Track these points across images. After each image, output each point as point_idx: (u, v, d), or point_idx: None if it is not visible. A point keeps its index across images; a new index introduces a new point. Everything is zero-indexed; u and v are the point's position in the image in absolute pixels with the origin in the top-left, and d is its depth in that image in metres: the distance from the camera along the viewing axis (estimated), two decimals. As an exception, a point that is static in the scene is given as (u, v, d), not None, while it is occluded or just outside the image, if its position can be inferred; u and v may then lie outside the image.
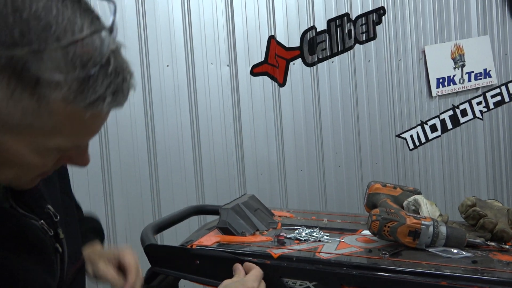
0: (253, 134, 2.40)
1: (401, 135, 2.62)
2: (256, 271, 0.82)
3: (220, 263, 0.87)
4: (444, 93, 2.67)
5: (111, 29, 0.50)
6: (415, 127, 2.65)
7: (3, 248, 0.56)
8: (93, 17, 0.49)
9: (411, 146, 2.64)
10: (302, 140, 2.47)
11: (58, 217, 0.67)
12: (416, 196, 1.01)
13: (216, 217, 1.15)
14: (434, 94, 2.64)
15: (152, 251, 0.92)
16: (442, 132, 2.69)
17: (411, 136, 2.64)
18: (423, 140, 2.66)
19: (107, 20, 0.50)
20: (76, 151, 0.56)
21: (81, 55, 0.46)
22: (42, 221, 0.63)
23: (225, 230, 0.97)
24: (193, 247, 0.91)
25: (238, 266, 0.85)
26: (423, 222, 0.85)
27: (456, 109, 2.71)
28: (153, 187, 2.19)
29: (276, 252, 0.86)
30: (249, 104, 2.36)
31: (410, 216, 0.87)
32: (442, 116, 2.68)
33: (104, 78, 0.48)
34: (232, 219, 0.98)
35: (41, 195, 0.65)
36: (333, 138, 2.51)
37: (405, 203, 1.02)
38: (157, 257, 0.92)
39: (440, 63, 2.63)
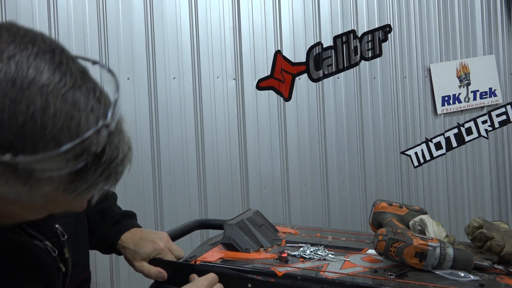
0: (258, 147, 2.40)
1: (406, 152, 2.62)
2: (209, 275, 0.84)
3: (224, 280, 0.86)
4: (449, 111, 2.67)
5: (114, 107, 0.48)
6: (419, 145, 2.64)
7: (3, 270, 0.57)
8: (94, 104, 0.47)
9: (416, 163, 2.64)
10: (306, 155, 2.46)
11: (66, 236, 0.67)
12: (422, 216, 1.00)
13: (219, 231, 1.15)
14: (439, 112, 2.64)
15: (156, 264, 0.91)
16: (447, 150, 2.68)
17: (416, 153, 2.63)
18: (427, 157, 2.65)
19: (110, 90, 0.49)
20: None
21: (75, 150, 0.46)
22: (46, 242, 0.64)
23: (229, 246, 0.96)
24: (197, 263, 0.90)
25: (194, 275, 0.87)
26: (430, 243, 0.85)
27: (461, 127, 2.71)
28: (157, 199, 2.18)
29: (281, 270, 0.85)
30: (254, 117, 2.37)
31: (417, 237, 0.86)
32: (447, 134, 2.68)
33: (96, 167, 0.48)
34: (237, 235, 0.97)
35: (51, 216, 0.65)
36: (337, 154, 2.51)
37: (411, 223, 1.01)
38: (160, 272, 0.91)
39: (445, 81, 2.64)
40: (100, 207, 0.98)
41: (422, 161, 2.64)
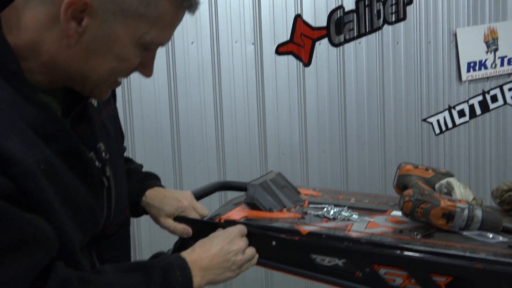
0: (276, 113, 2.38)
1: (428, 120, 2.56)
2: (238, 226, 0.86)
3: (248, 238, 0.86)
4: (474, 77, 2.59)
5: None
6: (442, 112, 2.58)
7: (59, 158, 0.61)
8: None
9: (437, 131, 2.59)
10: (326, 121, 2.44)
11: (108, 156, 0.71)
12: (449, 179, 0.98)
13: (239, 193, 1.15)
14: (464, 78, 2.56)
15: (181, 222, 0.92)
16: (470, 117, 2.62)
17: (438, 121, 2.58)
18: (450, 125, 2.59)
19: None
20: (151, 57, 0.67)
21: None
22: (92, 152, 0.68)
23: (252, 205, 0.96)
24: (222, 221, 0.91)
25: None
26: (458, 204, 0.83)
27: (486, 95, 2.63)
28: (176, 164, 2.20)
29: (305, 228, 0.85)
30: (273, 83, 2.33)
31: (444, 198, 0.85)
32: (471, 102, 2.61)
33: None
34: (260, 195, 0.97)
35: (94, 133, 0.71)
36: (357, 120, 2.47)
37: (437, 185, 0.99)
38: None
39: (472, 47, 2.54)
40: (127, 168, 0.99)
41: (444, 128, 2.59)
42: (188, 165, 2.23)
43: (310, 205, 1.03)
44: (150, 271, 0.68)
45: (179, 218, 0.92)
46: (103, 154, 0.72)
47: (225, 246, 0.80)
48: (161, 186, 1.00)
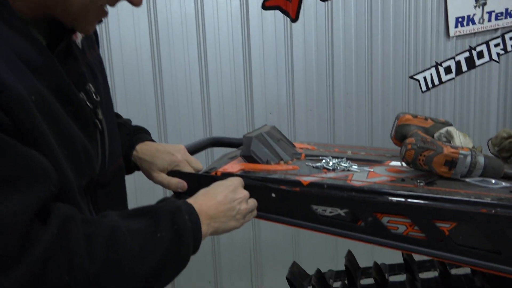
0: (263, 71, 2.31)
1: (415, 77, 2.55)
2: (237, 177, 0.83)
3: (248, 190, 0.83)
4: (462, 33, 2.56)
5: None
6: (429, 69, 2.56)
7: (51, 94, 0.57)
8: None
9: (424, 88, 2.58)
10: (313, 79, 2.39)
11: (99, 98, 0.66)
12: (449, 128, 0.97)
13: (232, 149, 1.12)
14: (451, 34, 2.53)
15: (174, 176, 0.88)
16: (457, 74, 2.61)
17: (425, 78, 2.56)
18: (436, 82, 2.58)
19: None
20: None
21: None
22: (82, 93, 0.64)
23: (249, 158, 0.93)
24: (218, 174, 0.87)
25: None
26: (461, 151, 0.81)
27: (473, 51, 2.61)
28: (160, 125, 2.14)
29: (306, 179, 0.82)
30: (259, 39, 2.26)
31: (447, 145, 0.83)
32: (457, 58, 2.59)
33: None
34: (256, 148, 0.94)
35: (82, 73, 0.66)
36: (344, 78, 2.44)
37: (436, 134, 0.97)
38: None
39: (460, 1, 2.50)
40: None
41: (430, 85, 2.58)
42: (173, 126, 2.18)
43: (307, 158, 1.00)
44: (158, 215, 0.63)
45: (173, 173, 0.89)
46: (94, 95, 0.67)
47: (230, 194, 0.76)
48: (152, 140, 0.95)
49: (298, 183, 0.82)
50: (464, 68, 2.63)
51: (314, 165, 0.93)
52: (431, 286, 1.02)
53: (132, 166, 0.93)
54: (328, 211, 0.80)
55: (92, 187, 0.68)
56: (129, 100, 2.08)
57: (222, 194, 0.76)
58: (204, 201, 0.73)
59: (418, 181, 0.81)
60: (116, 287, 0.56)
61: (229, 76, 2.26)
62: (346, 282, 1.12)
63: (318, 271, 1.16)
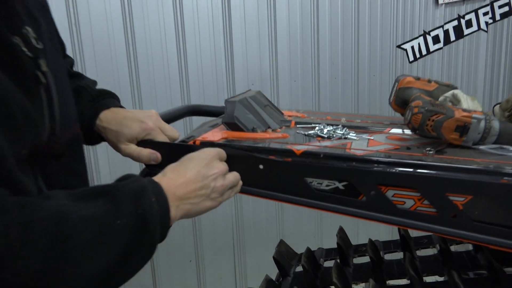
0: (245, 39, 2.17)
1: (402, 46, 2.45)
2: (216, 148, 0.71)
3: (230, 162, 0.72)
4: (451, 0, 2.46)
5: None
6: (417, 38, 2.46)
7: None
8: None
9: (411, 58, 2.48)
10: (297, 48, 2.26)
11: (42, 46, 0.54)
12: (455, 91, 0.87)
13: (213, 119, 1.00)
14: (440, 1, 2.43)
15: (146, 147, 0.76)
16: (445, 44, 2.52)
17: (412, 47, 2.47)
18: (424, 52, 2.49)
19: None
20: None
21: None
22: (16, 37, 0.51)
23: (232, 125, 0.81)
24: (196, 143, 0.75)
25: None
26: (474, 115, 0.72)
27: (461, 19, 2.52)
28: (135, 95, 1.99)
29: (299, 148, 0.71)
30: (240, 2, 2.10)
31: (458, 108, 0.73)
32: (446, 27, 2.50)
33: None
34: (241, 113, 0.82)
35: (17, 14, 0.53)
36: (330, 47, 2.31)
37: (441, 98, 0.87)
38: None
39: (450, -34, 2.38)
40: (75, 85, 0.81)
41: (418, 55, 2.48)
42: (148, 96, 2.03)
43: (298, 125, 0.89)
44: (118, 197, 0.51)
45: (144, 143, 0.76)
46: (34, 41, 0.53)
47: (202, 169, 0.64)
48: (120, 106, 0.82)
49: (290, 153, 0.70)
50: (453, 37, 2.54)
51: (306, 133, 0.82)
52: (431, 265, 0.95)
53: (96, 137, 0.80)
54: (325, 184, 0.70)
55: (41, 158, 0.55)
56: (99, 70, 1.91)
57: (193, 170, 0.63)
58: (172, 179, 0.61)
59: (428, 149, 0.71)
60: (66, 286, 0.44)
61: (208, 43, 2.11)
62: (338, 260, 1.03)
63: (308, 250, 1.07)
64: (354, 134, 0.80)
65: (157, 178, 0.61)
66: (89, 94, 0.80)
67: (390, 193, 0.67)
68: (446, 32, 2.51)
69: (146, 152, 0.74)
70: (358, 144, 0.75)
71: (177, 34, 2.02)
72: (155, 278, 2.24)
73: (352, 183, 0.68)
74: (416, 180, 0.65)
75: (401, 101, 0.90)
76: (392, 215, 0.67)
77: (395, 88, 0.92)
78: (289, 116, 0.98)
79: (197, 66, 2.10)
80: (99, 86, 0.90)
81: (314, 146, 0.73)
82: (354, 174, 0.67)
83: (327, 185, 0.70)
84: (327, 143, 0.76)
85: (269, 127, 0.85)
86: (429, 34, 2.48)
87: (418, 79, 0.90)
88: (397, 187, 0.66)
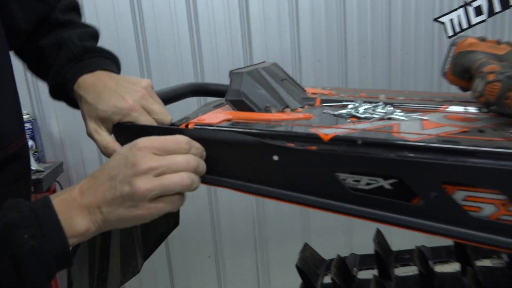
0: (263, 15, 1.97)
1: (440, 19, 2.18)
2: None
3: (234, 151, 0.53)
4: (497, -35, 2.17)
5: None
6: (457, 9, 2.18)
7: None
8: None
9: (450, 32, 2.21)
10: (322, 24, 2.04)
11: None
12: (537, 54, 0.65)
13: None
14: (484, -34, 2.14)
15: (123, 133, 0.58)
16: (489, 15, 2.24)
17: (451, 21, 2.19)
18: (464, 25, 2.20)
19: None
20: None
21: None
22: None
23: (239, 104, 0.62)
24: (190, 127, 0.57)
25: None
26: None
27: (509, -13, 2.23)
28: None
29: (327, 132, 0.52)
30: (258, -26, 1.90)
31: (554, 73, 0.52)
32: (490, -4, 2.21)
33: None
34: (250, 88, 0.63)
35: None
36: (358, 23, 2.08)
37: (517, 64, 0.66)
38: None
39: None
40: (58, 37, 0.65)
41: (458, 29, 2.20)
42: (159, 80, 1.87)
43: (325, 104, 0.69)
44: None
45: (119, 127, 0.58)
46: None
47: (117, 167, 0.48)
48: (108, 68, 0.64)
49: (315, 138, 0.51)
50: (497, 8, 2.25)
51: (336, 112, 0.62)
52: (498, 280, 0.74)
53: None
54: (364, 182, 0.50)
55: None
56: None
57: (108, 168, 0.48)
58: (83, 184, 0.49)
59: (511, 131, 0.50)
60: None
61: (223, 21, 1.92)
62: (376, 272, 0.84)
63: (339, 258, 0.87)
64: (401, 114, 0.60)
65: (70, 188, 0.49)
66: (69, 51, 0.63)
67: (459, 195, 0.47)
68: (490, 2, 2.23)
69: (111, 145, 0.57)
70: (409, 127, 0.54)
71: (188, 11, 1.85)
72: (172, 273, 2.10)
73: (404, 180, 0.48)
74: (499, 177, 0.45)
75: (460, 69, 0.69)
76: (461, 226, 0.47)
77: (451, 54, 0.71)
78: (313, 94, 0.78)
79: (211, 45, 1.91)
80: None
81: (347, 129, 0.54)
82: (407, 168, 0.47)
83: (367, 184, 0.50)
84: (365, 125, 0.56)
85: (287, 106, 0.65)
86: (470, 5, 2.20)
87: (483, 40, 0.69)
88: (470, 186, 0.46)
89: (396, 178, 0.48)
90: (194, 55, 1.90)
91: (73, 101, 0.63)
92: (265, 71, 0.68)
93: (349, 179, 0.50)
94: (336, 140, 0.50)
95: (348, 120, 0.59)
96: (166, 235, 1.08)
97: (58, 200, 0.47)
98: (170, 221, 1.09)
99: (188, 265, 2.13)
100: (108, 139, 0.58)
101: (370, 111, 0.60)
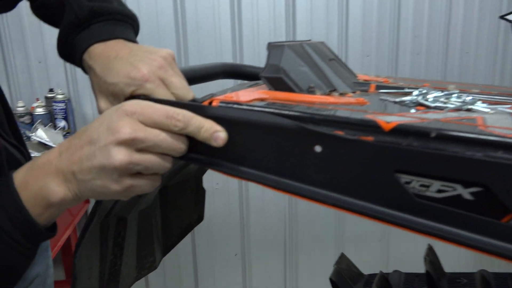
0: (309, 6, 1.84)
1: (507, 17, 1.97)
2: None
3: (264, 136, 0.43)
4: None
5: None
6: (527, 7, 1.97)
7: None
8: None
9: (518, 32, 2.00)
10: (373, 16, 1.89)
11: None
12: None
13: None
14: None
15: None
16: None
17: (520, 19, 1.98)
18: (535, 25, 2.00)
19: None
20: None
21: None
22: None
23: (276, 82, 0.51)
24: (213, 104, 0.46)
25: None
26: None
27: None
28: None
29: (388, 120, 0.40)
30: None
31: None
32: None
33: None
34: (291, 65, 0.52)
35: None
36: (413, 16, 1.92)
37: None
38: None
39: None
40: None
41: (527, 29, 2.00)
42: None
43: (381, 91, 0.57)
44: None
45: (135, 98, 0.49)
46: None
47: (96, 131, 0.41)
48: (124, 38, 0.54)
49: (373, 127, 0.39)
50: None
51: (397, 99, 0.50)
52: None
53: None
54: (435, 188, 0.38)
55: None
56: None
57: (90, 129, 0.42)
58: (66, 142, 0.43)
59: None
60: None
61: (267, 9, 1.81)
62: (425, 297, 0.71)
63: (382, 276, 0.75)
64: (484, 105, 0.47)
65: (45, 153, 0.44)
66: (72, 13, 0.53)
67: None
68: None
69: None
70: (498, 121, 0.41)
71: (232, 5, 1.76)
72: (196, 269, 2.03)
73: (493, 189, 0.35)
74: None
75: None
76: None
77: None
78: (365, 80, 0.66)
79: (253, 35, 1.81)
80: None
81: (415, 118, 0.41)
82: (499, 172, 0.35)
83: (439, 190, 0.37)
84: (437, 115, 0.43)
85: (334, 90, 0.54)
86: (544, 3, 1.98)
87: None
88: None
89: (481, 185, 0.36)
90: (234, 43, 1.81)
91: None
92: (310, 47, 0.56)
93: (414, 183, 0.38)
94: (401, 130, 0.38)
95: (413, 109, 0.46)
96: (189, 230, 0.99)
97: (35, 164, 0.43)
98: (194, 215, 1.00)
99: (214, 262, 2.04)
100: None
101: (442, 99, 0.47)
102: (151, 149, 0.41)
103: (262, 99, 0.47)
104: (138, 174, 0.42)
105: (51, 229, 0.46)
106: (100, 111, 0.50)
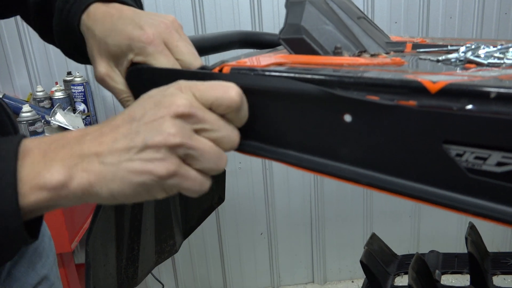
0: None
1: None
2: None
3: (284, 108, 0.36)
4: None
5: None
6: None
7: None
8: None
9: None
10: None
11: None
12: None
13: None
14: None
15: (135, 79, 0.43)
16: None
17: None
18: None
19: None
20: None
21: None
22: None
23: (297, 43, 0.44)
24: (224, 71, 0.40)
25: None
26: None
27: None
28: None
29: (435, 79, 0.32)
30: None
31: None
32: None
33: None
34: (314, 23, 0.45)
35: None
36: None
37: None
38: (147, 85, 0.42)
39: None
40: None
41: None
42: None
43: (420, 50, 0.49)
44: None
45: (131, 73, 0.43)
46: None
47: (141, 108, 0.33)
48: (128, 3, 0.48)
49: (416, 88, 0.32)
50: None
51: (440, 57, 0.42)
52: None
53: (82, 48, 0.49)
54: (494, 160, 0.31)
55: None
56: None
57: (130, 110, 0.34)
58: (95, 128, 0.34)
59: None
60: None
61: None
62: (468, 280, 0.64)
63: (418, 257, 0.68)
64: (550, 60, 0.39)
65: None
66: None
67: None
68: None
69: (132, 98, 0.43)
70: None
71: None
72: (222, 249, 2.01)
73: None
74: None
75: None
76: None
77: None
78: (400, 40, 0.58)
79: (272, 5, 1.72)
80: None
81: (467, 76, 0.34)
82: None
83: (499, 163, 0.31)
84: (494, 73, 0.36)
85: (364, 51, 0.46)
86: None
87: None
88: None
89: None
90: (253, 16, 1.73)
91: (80, 47, 0.49)
92: (335, 4, 0.49)
93: (467, 155, 0.31)
94: (451, 91, 0.31)
95: (462, 67, 0.39)
96: (210, 211, 0.95)
97: (46, 140, 0.34)
98: (215, 196, 0.95)
99: (240, 241, 2.02)
100: (121, 82, 0.44)
101: (497, 54, 0.39)
102: (207, 134, 0.34)
103: (280, 64, 0.41)
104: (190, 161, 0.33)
105: (32, 234, 0.35)
106: (99, 77, 0.45)
